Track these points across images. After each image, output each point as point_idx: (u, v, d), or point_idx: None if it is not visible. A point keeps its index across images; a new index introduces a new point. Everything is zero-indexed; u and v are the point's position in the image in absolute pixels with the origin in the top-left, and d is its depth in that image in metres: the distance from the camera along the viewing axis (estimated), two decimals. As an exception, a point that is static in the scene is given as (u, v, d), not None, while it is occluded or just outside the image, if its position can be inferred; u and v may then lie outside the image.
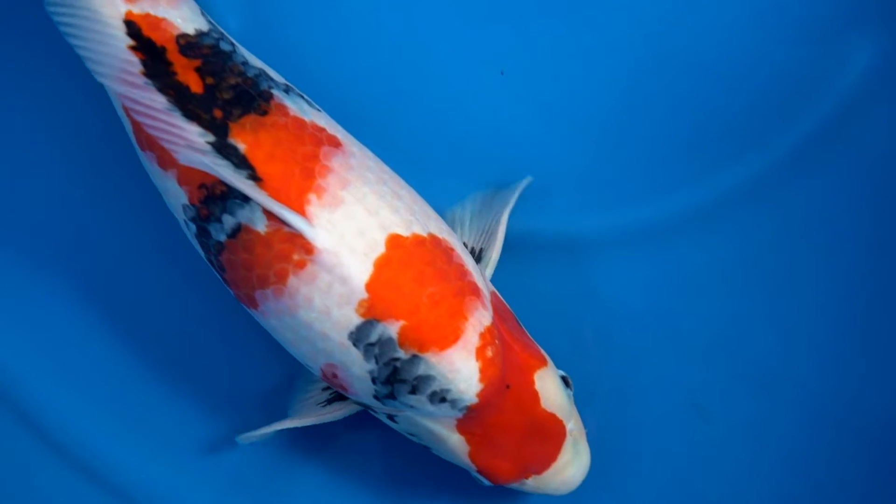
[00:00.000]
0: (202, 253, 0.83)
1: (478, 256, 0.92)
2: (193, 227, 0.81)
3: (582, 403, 0.90)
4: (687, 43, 1.00)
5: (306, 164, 0.78)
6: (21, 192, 0.98)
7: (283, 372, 0.96)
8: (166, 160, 0.79)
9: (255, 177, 0.76)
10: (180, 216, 0.82)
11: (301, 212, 0.76)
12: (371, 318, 0.77)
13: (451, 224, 0.93)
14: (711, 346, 0.98)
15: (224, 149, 0.76)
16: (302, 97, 0.84)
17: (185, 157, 0.76)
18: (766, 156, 1.00)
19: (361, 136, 0.87)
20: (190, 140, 0.76)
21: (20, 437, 0.97)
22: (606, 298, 0.99)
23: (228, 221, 0.78)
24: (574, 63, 1.00)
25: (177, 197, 0.80)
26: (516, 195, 0.94)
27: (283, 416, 0.92)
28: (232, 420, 0.97)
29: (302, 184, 0.77)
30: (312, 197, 0.77)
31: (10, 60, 0.99)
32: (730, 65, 1.00)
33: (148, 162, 0.81)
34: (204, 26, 0.82)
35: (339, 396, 0.88)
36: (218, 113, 0.77)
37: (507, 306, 0.87)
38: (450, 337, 0.78)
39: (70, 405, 0.98)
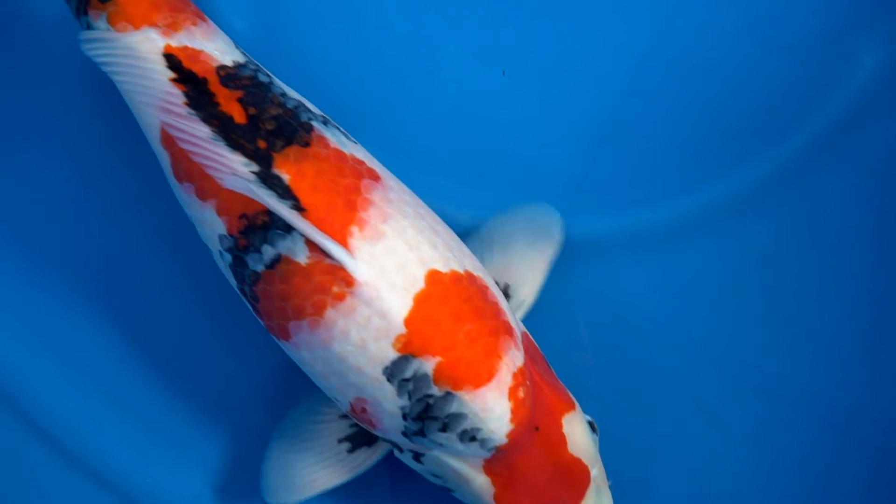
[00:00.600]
0: (233, 282, 0.83)
1: (505, 293, 0.92)
2: (229, 257, 0.80)
3: (586, 408, 0.89)
4: (694, 46, 1.01)
5: (348, 196, 0.78)
6: (27, 192, 0.98)
7: (290, 379, 0.94)
8: (206, 190, 0.79)
9: (299, 207, 0.76)
10: (215, 246, 0.82)
11: (343, 243, 0.76)
12: (407, 353, 0.77)
13: (475, 249, 0.92)
14: (717, 351, 0.98)
15: (268, 179, 0.76)
16: (339, 129, 0.84)
17: (231, 182, 0.76)
18: (773, 159, 1.01)
19: (365, 137, 0.88)
20: (235, 169, 0.76)
21: (28, 442, 0.96)
22: (612, 302, 0.99)
23: (268, 252, 0.77)
24: (580, 65, 1.01)
25: (213, 227, 0.80)
26: (556, 245, 0.94)
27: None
28: (237, 423, 0.96)
29: (345, 215, 0.77)
30: (355, 229, 0.77)
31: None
32: (737, 68, 1.01)
33: (185, 193, 0.81)
34: (240, 58, 0.83)
35: (360, 430, 0.88)
36: (262, 143, 0.77)
37: (537, 347, 0.87)
38: (484, 375, 0.78)
39: (79, 411, 0.97)
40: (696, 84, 1.01)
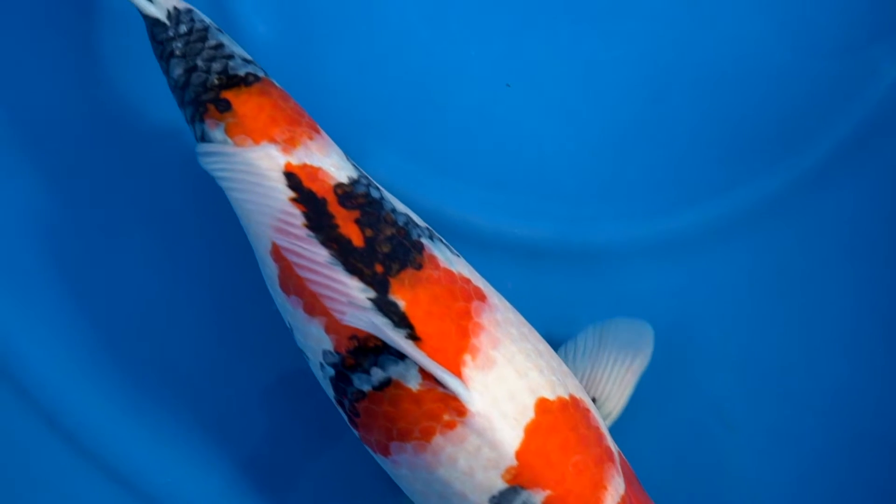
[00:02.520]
0: (329, 391, 0.82)
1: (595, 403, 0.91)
2: (332, 371, 0.79)
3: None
4: (716, 54, 1.01)
5: (461, 322, 0.77)
6: (40, 192, 0.98)
7: (309, 381, 0.93)
8: (314, 307, 0.78)
9: (414, 336, 0.75)
10: (316, 357, 0.80)
11: (457, 373, 0.75)
12: (517, 484, 0.76)
13: (566, 360, 0.91)
14: (738, 357, 0.98)
15: (385, 306, 0.75)
16: (443, 242, 0.83)
17: (352, 318, 0.75)
18: (794, 167, 1.01)
19: (387, 145, 0.87)
20: (352, 296, 0.75)
21: (46, 437, 0.96)
22: (632, 308, 0.99)
23: (377, 375, 0.76)
24: (603, 73, 1.01)
25: (319, 342, 0.79)
26: (646, 360, 0.93)
27: (315, 425, 0.92)
28: (257, 426, 0.96)
29: (458, 343, 0.76)
30: (468, 358, 0.76)
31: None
32: (759, 76, 1.01)
33: (291, 306, 0.80)
34: (353, 173, 0.82)
35: None
36: (379, 268, 0.76)
37: (630, 466, 0.86)
38: None
39: (98, 408, 0.97)
40: (719, 93, 1.01)
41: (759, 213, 1.00)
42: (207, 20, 0.85)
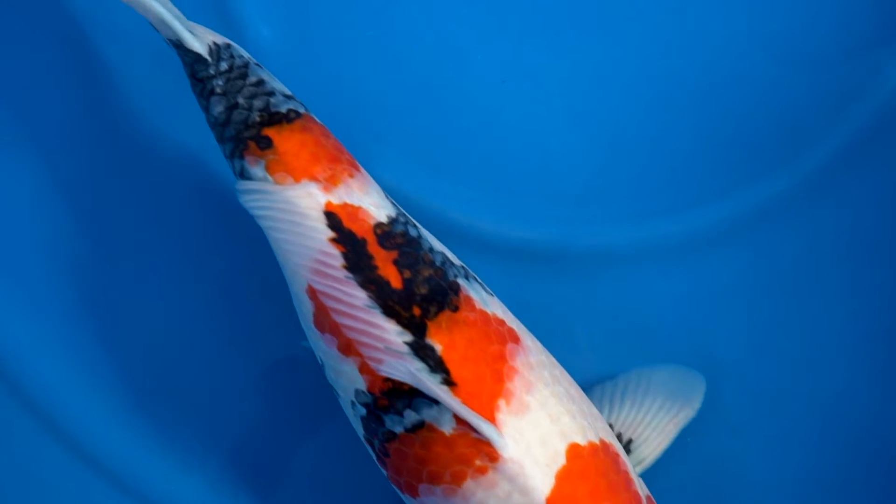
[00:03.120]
0: (359, 429, 0.82)
1: (626, 446, 0.90)
2: (363, 410, 0.79)
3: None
4: (718, 57, 1.01)
5: (495, 366, 0.77)
6: (42, 197, 0.99)
7: (315, 381, 0.94)
8: (349, 347, 0.78)
9: (449, 381, 0.75)
10: (347, 396, 0.80)
11: (491, 418, 0.75)
12: None
13: (609, 397, 0.91)
14: (741, 361, 0.98)
15: (421, 350, 0.75)
16: (478, 281, 0.83)
17: (389, 369, 0.75)
18: (796, 171, 1.01)
19: (392, 147, 0.87)
20: (388, 340, 0.75)
21: (49, 445, 0.96)
22: (634, 312, 0.99)
23: (410, 417, 0.76)
24: (605, 77, 1.02)
25: (351, 381, 0.79)
26: (693, 413, 0.93)
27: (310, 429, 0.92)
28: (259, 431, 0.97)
29: (493, 388, 0.76)
30: (502, 403, 0.76)
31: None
32: (761, 80, 1.01)
33: (325, 344, 0.79)
34: (392, 211, 0.81)
35: None
36: (416, 310, 0.76)
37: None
38: None
39: (101, 415, 0.97)
40: (720, 96, 1.01)
41: (762, 217, 1.01)
42: (246, 55, 0.84)
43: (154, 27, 0.83)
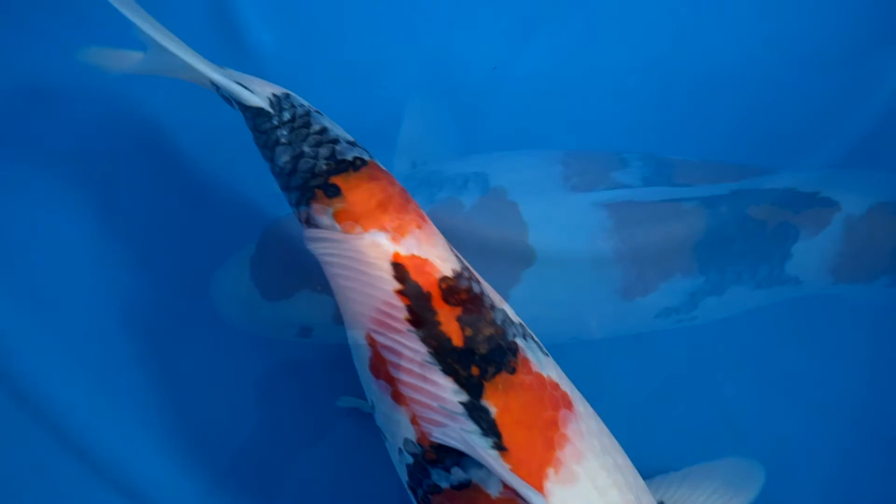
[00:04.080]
0: (403, 475, 0.82)
1: None
2: (410, 459, 0.79)
3: (609, 420, 0.87)
4: (719, 62, 1.01)
5: (547, 433, 0.76)
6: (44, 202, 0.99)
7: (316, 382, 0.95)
8: (403, 397, 0.77)
9: (500, 445, 0.74)
10: (395, 442, 0.80)
11: (539, 486, 0.74)
12: None
13: (665, 483, 0.90)
14: (746, 364, 0.97)
15: (475, 411, 0.75)
16: (534, 340, 0.82)
17: (441, 436, 0.74)
18: (800, 172, 0.99)
19: (393, 152, 0.86)
20: (444, 399, 0.75)
21: (55, 452, 0.97)
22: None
23: (458, 474, 0.76)
24: (608, 80, 1.01)
25: (401, 429, 0.78)
26: (749, 499, 0.91)
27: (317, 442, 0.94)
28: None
29: (543, 455, 0.75)
30: (551, 471, 0.75)
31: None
32: (762, 84, 1.01)
33: (379, 389, 0.79)
34: (457, 264, 0.80)
35: None
36: (475, 370, 0.75)
37: None
38: None
39: (102, 418, 0.97)
40: (720, 100, 1.00)
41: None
42: (306, 103, 0.84)
43: (210, 89, 0.83)
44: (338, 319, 0.78)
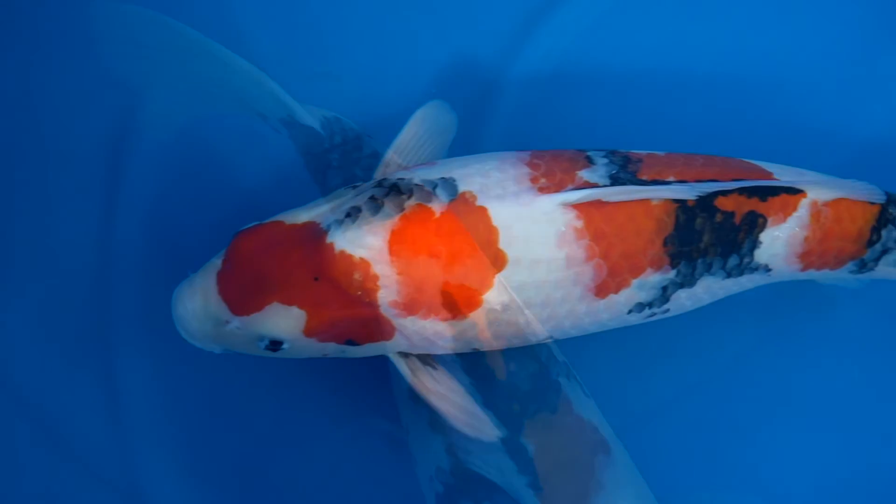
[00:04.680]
0: (430, 499, 0.81)
1: None
2: (441, 488, 0.78)
3: (610, 416, 0.86)
4: (724, 66, 1.00)
5: (583, 477, 0.76)
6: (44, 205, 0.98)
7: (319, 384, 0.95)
8: (439, 424, 0.77)
9: (536, 485, 0.74)
10: (427, 469, 0.79)
11: None
12: None
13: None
14: (749, 365, 0.96)
15: (513, 447, 0.74)
16: (577, 380, 0.81)
17: (475, 469, 0.74)
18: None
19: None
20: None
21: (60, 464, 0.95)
22: None
23: None
24: (609, 82, 1.00)
25: (435, 456, 0.78)
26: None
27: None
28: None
29: (577, 501, 0.75)
30: None
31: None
32: (765, 87, 1.00)
33: (414, 415, 0.79)
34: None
35: None
36: (516, 406, 0.75)
37: None
38: None
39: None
40: (724, 103, 0.99)
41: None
42: (356, 127, 0.83)
43: (261, 115, 0.82)
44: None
